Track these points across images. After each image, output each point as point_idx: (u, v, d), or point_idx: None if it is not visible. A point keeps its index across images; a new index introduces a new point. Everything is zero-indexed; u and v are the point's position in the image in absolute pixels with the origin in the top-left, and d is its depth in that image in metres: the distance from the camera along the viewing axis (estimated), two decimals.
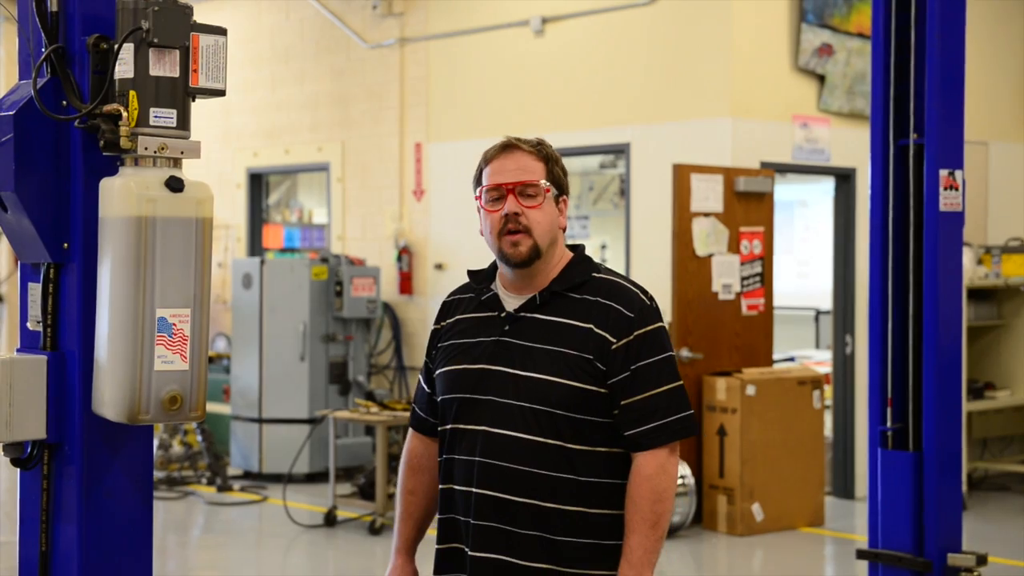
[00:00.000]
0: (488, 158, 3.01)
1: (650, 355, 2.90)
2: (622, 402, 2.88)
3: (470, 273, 3.14)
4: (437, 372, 3.06)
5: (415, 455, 3.17)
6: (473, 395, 2.96)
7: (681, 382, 2.94)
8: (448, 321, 3.10)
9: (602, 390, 2.88)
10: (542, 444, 2.88)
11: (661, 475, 2.86)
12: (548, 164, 3.00)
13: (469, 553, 2.93)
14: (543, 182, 2.96)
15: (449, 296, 3.16)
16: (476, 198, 3.01)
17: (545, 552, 2.88)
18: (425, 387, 3.15)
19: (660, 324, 2.95)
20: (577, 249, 3.06)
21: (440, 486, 3.05)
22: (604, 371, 2.88)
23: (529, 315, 2.96)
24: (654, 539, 2.85)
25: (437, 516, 3.09)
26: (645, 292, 2.99)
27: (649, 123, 9.51)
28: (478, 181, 3.02)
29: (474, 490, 2.92)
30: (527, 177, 2.94)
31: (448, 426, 3.01)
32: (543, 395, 2.88)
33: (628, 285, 2.99)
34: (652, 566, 2.85)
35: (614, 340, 2.89)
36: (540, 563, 2.88)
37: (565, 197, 3.04)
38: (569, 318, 2.93)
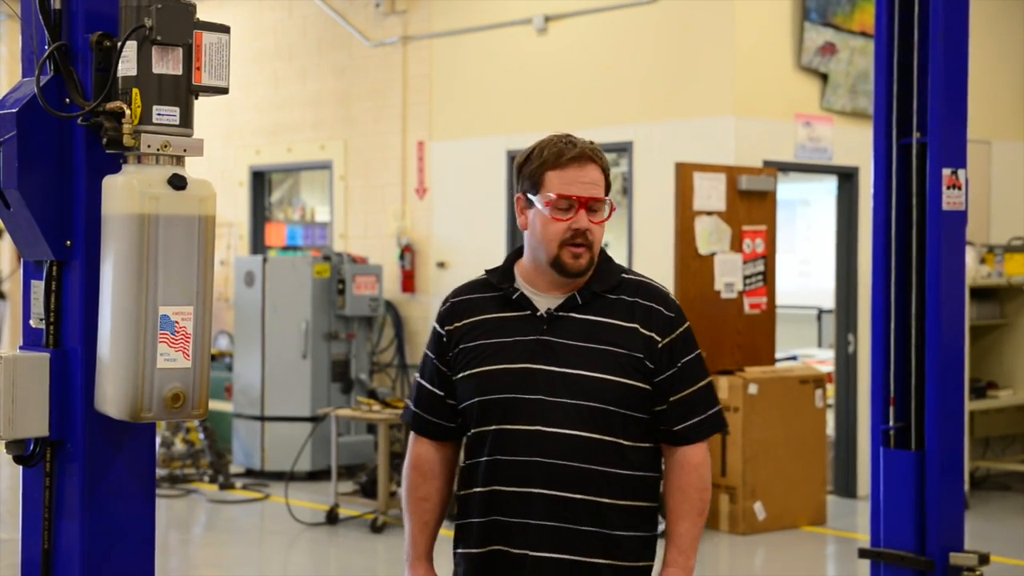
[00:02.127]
0: (556, 162, 2.92)
1: (689, 352, 3.03)
2: (671, 399, 2.97)
3: (490, 272, 3.07)
4: (465, 374, 2.98)
5: (425, 460, 3.08)
6: (520, 395, 2.92)
7: (711, 377, 3.10)
8: (464, 322, 3.01)
9: (648, 387, 2.95)
10: (599, 441, 2.92)
11: (705, 465, 3.01)
12: (608, 177, 2.99)
13: (531, 554, 2.90)
14: (608, 198, 2.98)
15: (456, 297, 3.07)
16: (538, 199, 2.94)
17: (604, 547, 2.93)
18: (437, 391, 3.05)
19: (688, 323, 3.09)
20: (601, 249, 3.06)
21: (476, 489, 2.98)
22: (652, 369, 2.95)
23: (569, 315, 2.97)
24: (700, 525, 3.01)
25: (467, 520, 3.01)
26: (669, 291, 3.11)
27: (652, 121, 9.51)
28: (536, 180, 2.95)
29: (534, 490, 2.91)
30: (598, 193, 2.93)
31: (491, 427, 2.95)
32: (598, 393, 2.92)
33: (657, 285, 3.07)
34: (696, 551, 3.00)
35: (660, 339, 2.97)
36: (600, 559, 2.93)
37: (615, 206, 3.05)
38: (612, 318, 2.97)
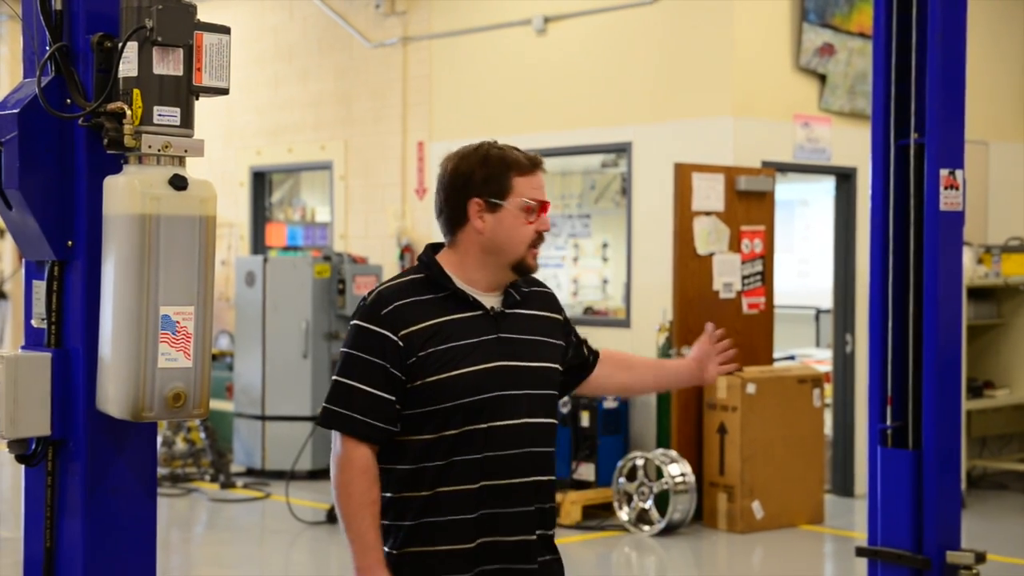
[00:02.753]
0: (523, 169, 3.02)
1: (571, 323, 3.33)
2: (575, 346, 3.31)
3: (425, 274, 3.06)
4: (439, 378, 2.94)
5: (371, 465, 2.95)
6: (502, 392, 2.99)
7: None
8: (421, 326, 2.95)
9: (562, 367, 3.21)
10: (552, 425, 3.13)
11: None
12: None
13: (526, 539, 3.01)
14: None
15: (398, 301, 2.98)
16: (507, 202, 2.99)
17: (546, 521, 3.09)
18: (387, 395, 2.93)
19: None
20: None
21: (459, 487, 2.96)
22: (563, 345, 3.22)
23: (514, 311, 3.08)
24: None
25: (441, 518, 2.97)
26: None
27: (651, 122, 9.51)
28: (502, 184, 2.99)
29: (529, 479, 3.02)
30: (548, 199, 3.12)
31: (482, 425, 2.96)
32: (549, 381, 3.12)
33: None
34: None
35: (560, 317, 3.23)
36: (538, 532, 3.07)
37: None
38: (538, 310, 3.16)
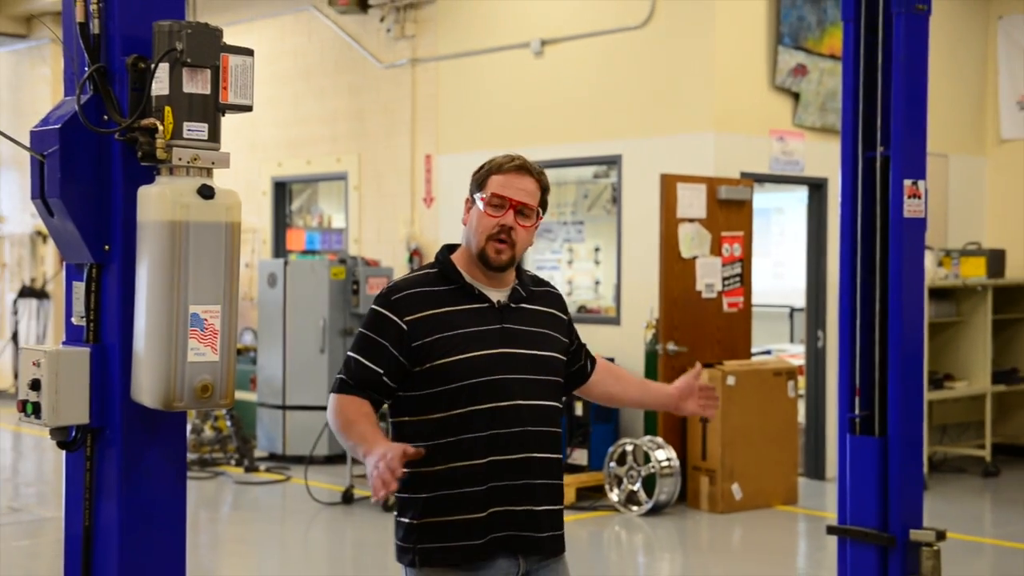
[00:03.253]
0: (499, 169, 3.08)
1: (574, 326, 3.37)
2: (572, 368, 3.32)
3: (439, 268, 3.12)
4: (444, 362, 2.99)
5: (363, 404, 2.99)
6: (505, 375, 3.02)
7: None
8: (426, 313, 3.02)
9: (567, 358, 3.26)
10: (555, 407, 3.17)
11: None
12: (543, 192, 3.14)
13: (534, 509, 3.04)
14: (539, 208, 3.11)
15: (408, 290, 3.05)
16: (478, 197, 3.08)
17: (561, 496, 3.15)
18: (378, 368, 3.00)
19: None
20: None
21: (470, 462, 2.98)
22: (566, 341, 3.26)
23: (519, 306, 3.13)
24: None
25: (451, 491, 2.99)
26: None
27: (639, 137, 9.52)
28: (481, 183, 3.09)
29: (533, 455, 3.06)
30: (529, 200, 3.07)
31: (485, 405, 2.99)
32: (552, 368, 3.15)
33: (540, 276, 3.37)
34: None
35: (565, 317, 3.29)
36: (559, 506, 3.15)
37: (542, 217, 3.19)
38: (544, 307, 3.21)
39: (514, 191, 3.04)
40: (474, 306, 3.06)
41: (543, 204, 3.12)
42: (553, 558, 3.12)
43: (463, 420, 3.00)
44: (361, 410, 3.00)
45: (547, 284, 3.30)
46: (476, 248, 3.06)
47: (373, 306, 3.07)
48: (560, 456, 3.18)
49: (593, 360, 3.40)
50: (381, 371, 3.01)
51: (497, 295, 3.10)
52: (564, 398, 3.31)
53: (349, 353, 3.08)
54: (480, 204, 3.06)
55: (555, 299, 3.26)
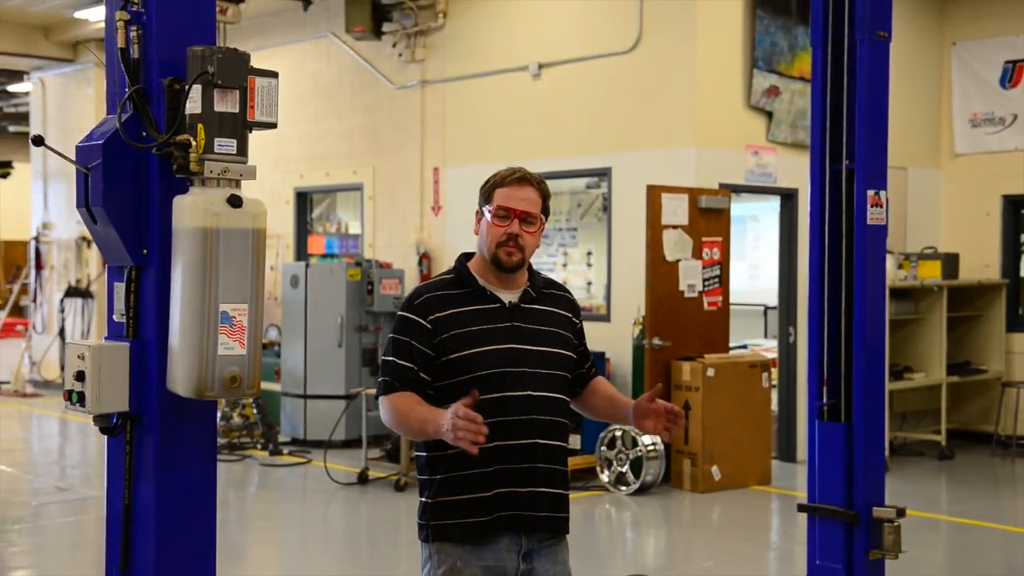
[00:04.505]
0: (503, 182, 3.09)
1: (583, 332, 3.33)
2: (579, 370, 3.27)
3: (455, 274, 3.14)
4: (460, 355, 3.01)
5: (412, 394, 3.01)
6: (512, 368, 3.03)
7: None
8: (446, 313, 3.05)
9: (575, 357, 3.23)
10: (561, 399, 3.14)
11: None
12: (545, 200, 3.14)
13: (535, 490, 3.03)
14: (541, 215, 3.12)
15: (429, 293, 3.08)
16: (486, 209, 3.10)
17: (564, 480, 3.13)
18: (410, 364, 3.02)
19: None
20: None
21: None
22: (575, 343, 3.23)
23: (529, 306, 3.12)
24: None
25: (462, 472, 3.00)
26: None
27: (627, 151, 9.52)
28: (488, 196, 3.11)
29: (538, 440, 3.04)
30: (532, 209, 3.08)
31: (493, 395, 2.98)
32: (560, 363, 3.13)
33: (557, 280, 3.37)
34: None
35: (576, 319, 3.26)
36: (563, 490, 3.13)
37: (545, 222, 3.18)
38: (554, 307, 3.19)
39: (517, 202, 3.05)
40: (487, 306, 3.08)
41: (545, 210, 3.12)
42: (554, 538, 3.10)
43: (475, 409, 2.99)
44: (411, 400, 3.02)
45: (560, 288, 3.28)
46: (489, 255, 3.07)
47: (400, 312, 3.12)
48: (564, 444, 3.12)
49: (596, 373, 3.35)
50: (415, 367, 3.04)
51: (509, 296, 3.11)
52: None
53: (384, 357, 3.10)
54: (488, 216, 3.08)
55: (566, 302, 3.24)
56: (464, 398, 2.84)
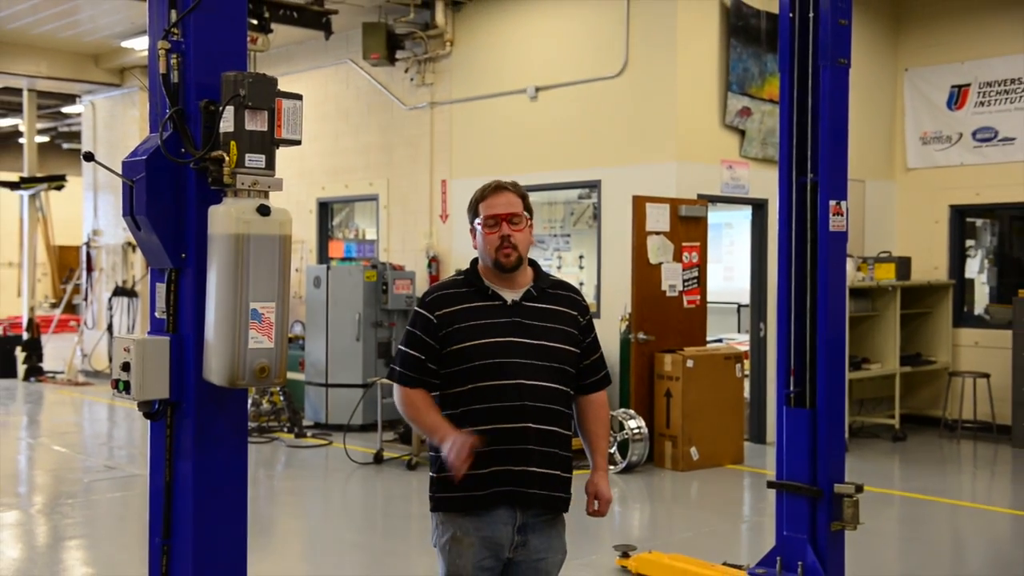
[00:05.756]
0: (483, 196, 3.10)
1: (593, 330, 3.24)
2: (584, 362, 3.18)
3: (463, 275, 3.15)
4: (462, 346, 3.02)
5: (423, 395, 3.08)
6: (509, 359, 3.01)
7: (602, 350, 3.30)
8: (452, 309, 3.06)
9: (579, 351, 3.16)
10: (559, 389, 3.08)
11: (607, 404, 3.28)
12: (524, 199, 3.14)
13: (528, 470, 3.01)
14: (524, 213, 3.11)
15: (439, 292, 3.11)
16: (477, 223, 3.11)
17: (561, 463, 3.08)
18: (420, 355, 3.06)
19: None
20: (532, 260, 3.21)
21: (478, 427, 2.98)
22: (580, 338, 3.16)
23: (530, 304, 3.10)
24: (608, 440, 3.33)
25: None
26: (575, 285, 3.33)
27: (615, 165, 9.51)
28: (475, 211, 3.13)
29: (529, 425, 3.01)
30: (514, 209, 3.09)
31: (490, 382, 2.99)
32: (558, 357, 3.08)
33: (568, 282, 3.28)
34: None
35: (581, 318, 3.18)
36: (559, 471, 3.08)
37: (531, 218, 3.17)
38: (557, 305, 3.13)
39: (500, 207, 3.06)
40: (489, 304, 3.07)
41: (527, 208, 3.12)
42: (548, 514, 3.07)
43: (473, 394, 3.02)
44: (425, 401, 3.07)
45: (568, 288, 3.21)
46: (490, 260, 3.08)
47: (414, 308, 3.14)
48: (559, 429, 3.05)
49: (598, 382, 3.21)
50: (423, 357, 3.06)
51: (511, 295, 3.09)
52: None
53: (399, 347, 3.13)
54: (480, 228, 3.09)
55: (572, 300, 3.17)
56: (475, 437, 2.92)
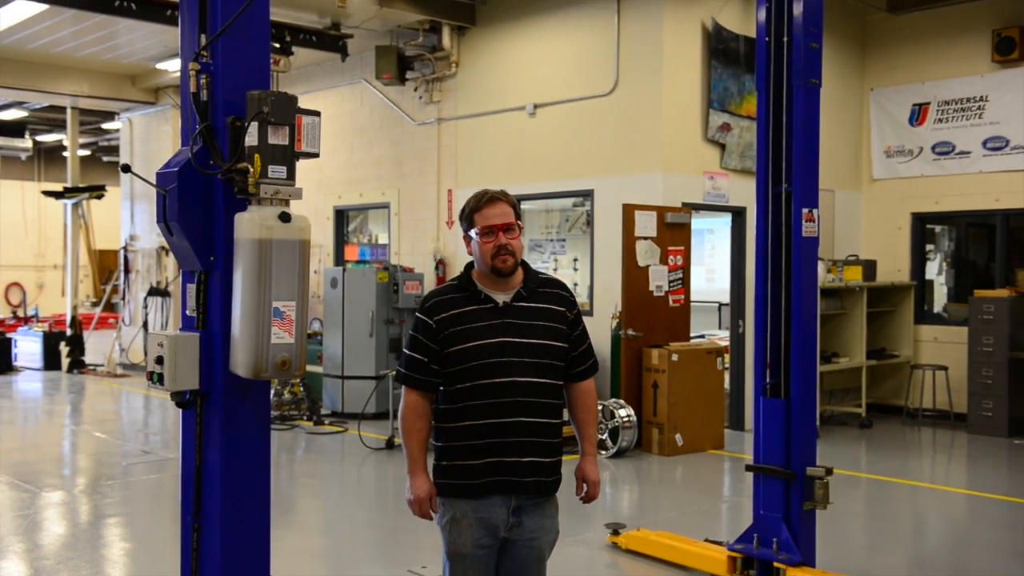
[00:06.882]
0: (478, 207, 3.03)
1: (581, 322, 3.17)
2: (572, 354, 3.13)
3: (457, 281, 3.09)
4: (459, 347, 2.98)
5: (418, 405, 3.05)
6: (502, 358, 2.98)
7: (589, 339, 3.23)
8: (448, 313, 3.01)
9: (567, 345, 3.10)
10: (549, 384, 3.04)
11: (595, 392, 3.24)
12: (515, 208, 3.09)
13: (520, 460, 2.99)
14: (518, 221, 3.07)
15: (437, 297, 3.06)
16: (473, 232, 3.03)
17: (550, 451, 3.06)
18: (424, 358, 3.01)
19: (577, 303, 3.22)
20: (522, 260, 3.14)
21: (474, 421, 2.97)
22: (568, 332, 3.10)
23: (520, 304, 3.06)
24: (596, 428, 3.27)
25: (461, 443, 3.00)
26: (563, 282, 3.25)
27: (607, 176, 9.50)
28: (470, 221, 3.05)
29: (521, 419, 2.98)
30: (509, 219, 3.04)
31: (486, 380, 2.96)
32: (548, 353, 3.03)
33: (557, 279, 3.20)
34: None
35: (569, 313, 3.12)
36: (549, 458, 3.06)
37: (523, 225, 3.12)
38: (545, 303, 3.08)
39: (495, 218, 2.99)
40: (482, 307, 3.02)
41: (519, 215, 3.08)
42: (539, 497, 3.06)
43: (470, 391, 2.99)
44: (416, 425, 3.04)
45: (556, 285, 3.14)
46: (487, 267, 3.02)
47: (416, 313, 3.10)
48: (548, 420, 3.01)
49: (585, 371, 3.16)
50: (425, 359, 3.02)
51: (502, 297, 3.04)
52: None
53: (404, 350, 3.09)
54: (476, 237, 3.02)
55: (561, 298, 3.11)
56: (431, 509, 3.02)
